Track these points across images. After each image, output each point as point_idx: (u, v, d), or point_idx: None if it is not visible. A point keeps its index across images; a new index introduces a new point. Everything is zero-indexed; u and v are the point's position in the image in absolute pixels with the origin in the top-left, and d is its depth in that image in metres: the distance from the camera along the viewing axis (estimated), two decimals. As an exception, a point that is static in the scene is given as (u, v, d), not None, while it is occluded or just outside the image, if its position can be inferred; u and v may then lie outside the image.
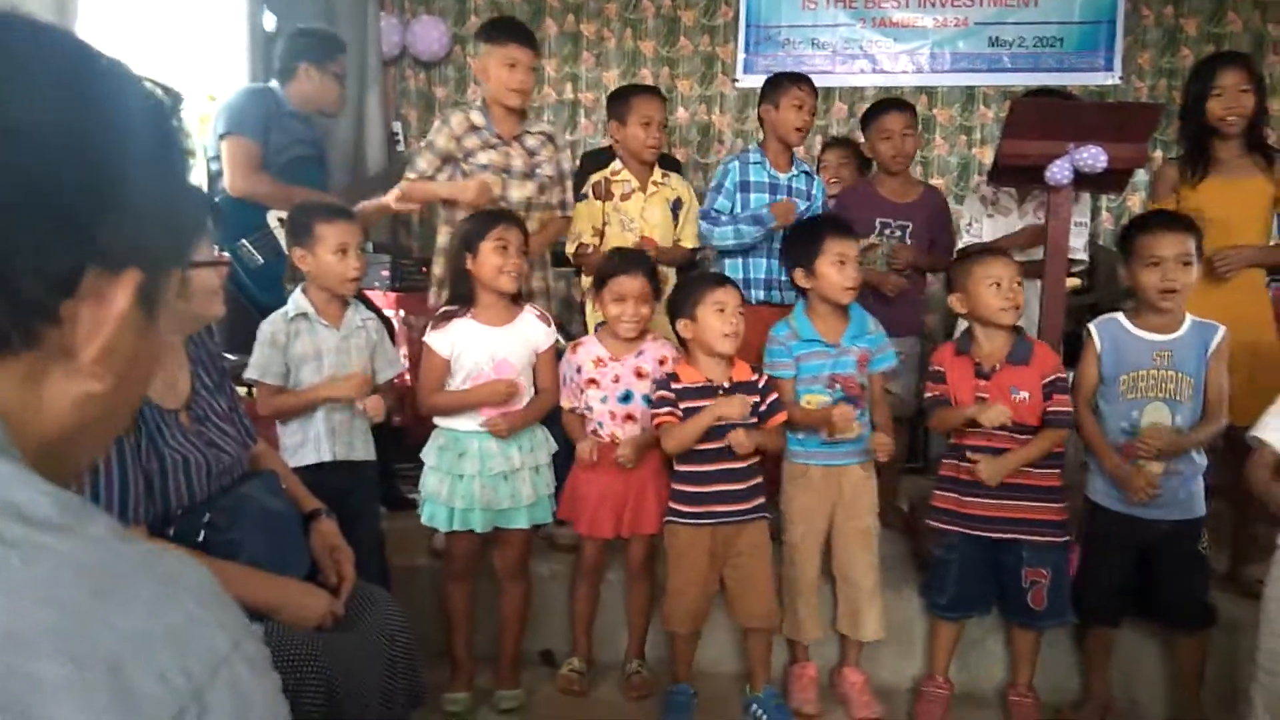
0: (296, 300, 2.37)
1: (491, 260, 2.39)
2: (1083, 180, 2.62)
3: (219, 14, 3.76)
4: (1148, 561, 2.37)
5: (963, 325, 3.33)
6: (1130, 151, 2.61)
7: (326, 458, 2.34)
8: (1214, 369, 2.30)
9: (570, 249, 3.13)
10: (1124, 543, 2.36)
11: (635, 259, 2.54)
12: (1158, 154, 4.57)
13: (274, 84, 3.31)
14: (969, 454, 2.35)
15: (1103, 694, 2.47)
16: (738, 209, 3.03)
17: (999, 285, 2.33)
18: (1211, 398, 2.31)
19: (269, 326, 2.34)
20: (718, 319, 2.33)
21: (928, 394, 2.48)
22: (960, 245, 3.17)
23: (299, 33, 3.36)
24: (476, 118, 2.97)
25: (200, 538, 1.59)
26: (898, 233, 3.24)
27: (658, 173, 3.24)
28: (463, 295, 2.45)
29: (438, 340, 2.43)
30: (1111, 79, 4.73)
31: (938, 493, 2.47)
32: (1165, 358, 2.30)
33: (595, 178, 3.20)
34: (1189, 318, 2.34)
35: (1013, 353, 2.37)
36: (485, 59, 2.92)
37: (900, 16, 4.85)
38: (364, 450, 2.43)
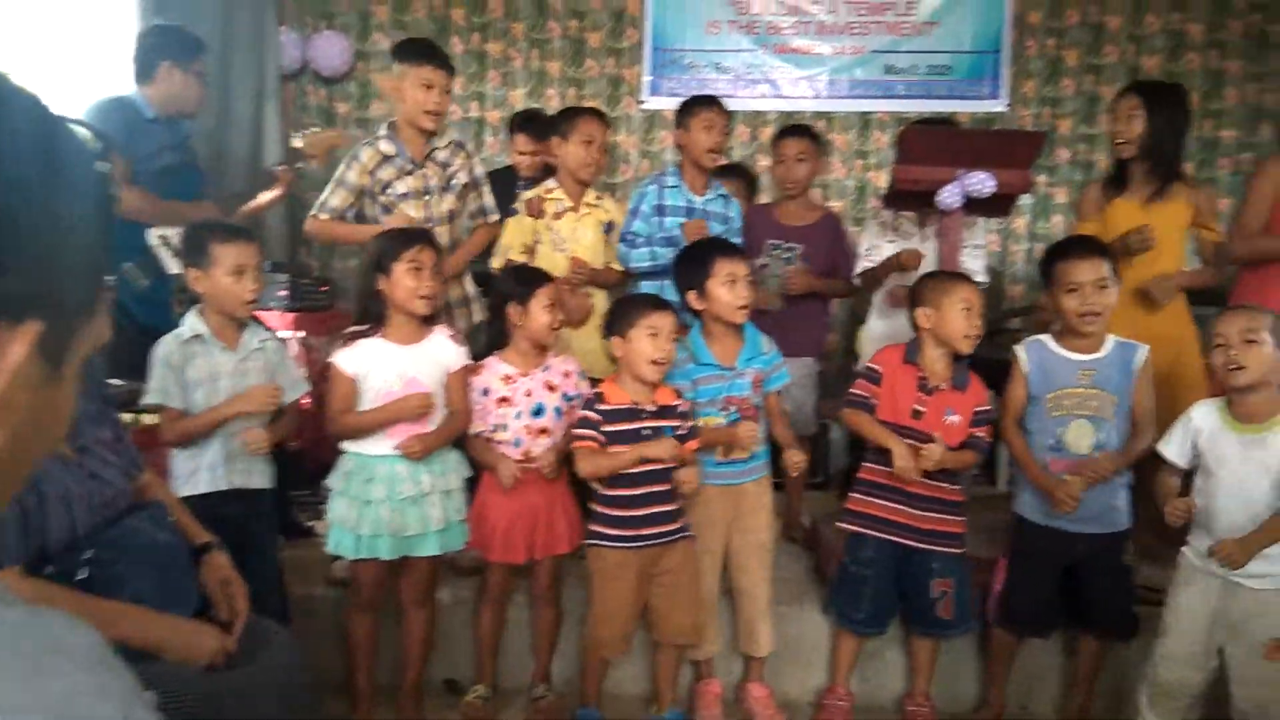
0: (191, 322, 2.29)
1: (405, 282, 2.35)
2: (972, 204, 2.73)
3: (111, 25, 3.61)
4: (1074, 574, 2.44)
5: (864, 343, 3.46)
6: (1016, 177, 2.73)
7: (221, 486, 2.26)
8: (1139, 387, 2.39)
9: (497, 263, 3.11)
10: (1050, 556, 2.43)
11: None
12: (1041, 178, 4.82)
13: (131, 91, 3.13)
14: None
15: (999, 702, 2.56)
16: (655, 233, 3.05)
17: (970, 310, 2.39)
18: (1139, 415, 2.39)
19: (163, 349, 2.25)
20: (650, 343, 2.31)
21: (854, 390, 2.50)
22: (857, 270, 3.25)
23: (158, 30, 3.20)
24: (386, 147, 2.95)
25: (83, 575, 1.51)
26: (786, 254, 3.30)
27: (591, 194, 3.25)
28: (373, 315, 2.40)
29: (346, 360, 2.38)
30: (998, 106, 4.96)
31: (856, 496, 2.51)
32: (1089, 377, 2.38)
33: (528, 194, 3.19)
34: (1111, 338, 2.43)
35: (955, 377, 2.44)
36: (400, 79, 2.90)
37: (800, 43, 4.99)
38: (262, 478, 2.35)
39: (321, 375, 2.63)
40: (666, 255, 2.95)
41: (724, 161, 3.34)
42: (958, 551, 2.45)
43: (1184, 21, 4.90)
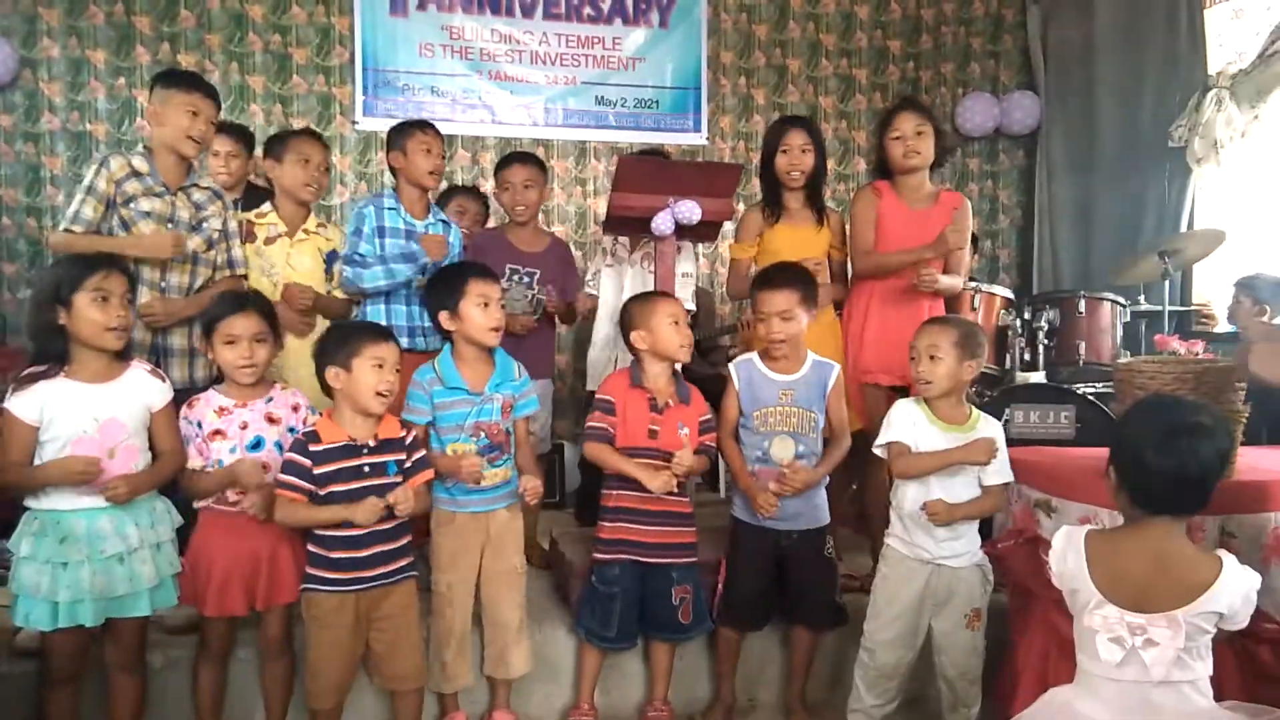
0: None
1: (90, 314, 2.12)
2: (682, 230, 2.93)
3: None
4: (783, 569, 2.63)
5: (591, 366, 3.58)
6: (720, 205, 2.97)
7: None
8: (832, 403, 2.63)
9: None
10: (760, 552, 2.62)
11: (245, 298, 2.40)
12: (740, 206, 5.24)
13: None
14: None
15: (729, 696, 2.73)
16: (375, 254, 2.97)
17: (677, 323, 2.53)
18: (835, 426, 2.64)
19: None
20: (374, 374, 2.23)
21: (592, 423, 2.57)
22: (584, 293, 3.37)
23: None
24: (139, 163, 2.72)
25: None
26: (526, 279, 3.37)
27: (312, 220, 3.12)
28: (53, 353, 2.15)
29: (22, 405, 2.10)
30: (700, 139, 5.34)
31: (605, 524, 2.57)
32: (789, 396, 2.60)
33: (239, 217, 3.02)
34: (811, 357, 2.65)
35: (678, 391, 2.58)
36: (163, 104, 2.74)
37: (514, 71, 5.08)
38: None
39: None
40: (403, 272, 2.91)
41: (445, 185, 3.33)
42: (693, 560, 2.60)
43: (851, 68, 5.56)
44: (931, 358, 2.39)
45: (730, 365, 2.71)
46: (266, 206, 3.10)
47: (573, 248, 4.48)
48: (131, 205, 2.69)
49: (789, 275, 2.65)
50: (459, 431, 2.47)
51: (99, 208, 2.67)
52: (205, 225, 2.83)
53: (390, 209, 3.03)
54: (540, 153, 5.07)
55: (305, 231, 3.08)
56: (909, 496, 2.42)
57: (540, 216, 5.04)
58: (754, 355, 2.68)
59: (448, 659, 2.49)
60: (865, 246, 3.18)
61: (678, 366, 2.65)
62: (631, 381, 2.58)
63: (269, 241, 3.03)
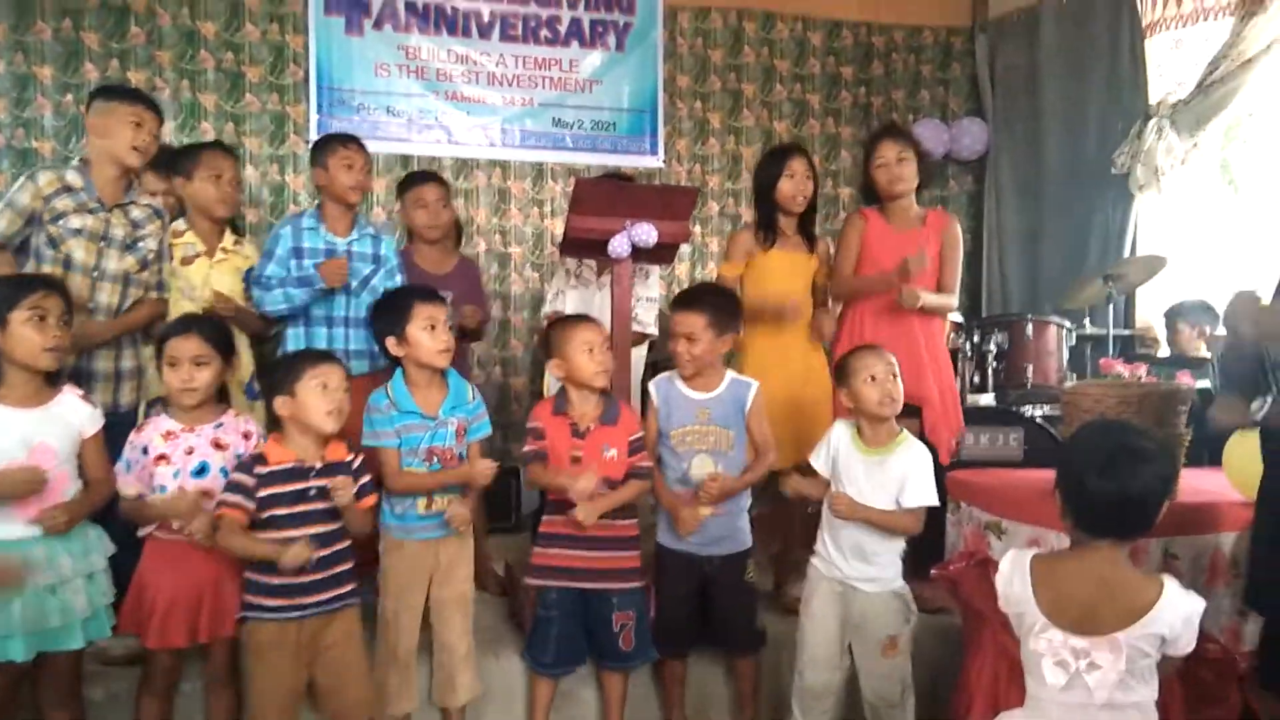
0: None
1: (26, 334, 2.08)
2: (639, 253, 2.94)
3: None
4: (706, 594, 2.64)
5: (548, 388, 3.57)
6: (676, 228, 2.97)
7: None
8: (752, 421, 2.65)
9: None
10: (685, 578, 2.63)
11: (189, 320, 2.37)
12: (696, 229, 5.27)
13: None
14: (572, 513, 2.45)
15: (680, 722, 2.72)
16: (287, 275, 2.92)
17: (592, 350, 2.50)
18: (758, 441, 2.65)
19: None
20: (321, 396, 2.22)
21: (526, 448, 2.56)
22: (544, 312, 3.36)
23: None
24: (73, 178, 2.65)
25: None
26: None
27: (229, 238, 3.05)
28: None
29: None
30: (656, 162, 5.36)
31: (538, 550, 2.56)
32: (706, 414, 2.62)
33: None
34: (728, 376, 2.68)
35: (604, 414, 2.55)
36: (105, 116, 2.67)
37: (471, 92, 5.07)
38: None
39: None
40: (300, 296, 2.87)
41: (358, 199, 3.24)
42: (636, 585, 2.58)
43: (804, 92, 5.63)
44: (894, 376, 2.44)
45: (650, 384, 2.73)
46: (182, 224, 3.00)
47: (530, 268, 4.47)
48: (60, 222, 2.62)
49: (699, 296, 2.69)
50: (413, 456, 2.44)
51: (15, 221, 2.60)
52: (141, 244, 2.77)
53: (309, 229, 2.98)
54: (497, 174, 5.10)
55: (224, 250, 3.03)
56: (825, 515, 2.49)
57: (497, 237, 5.09)
58: (674, 374, 2.70)
59: (392, 683, 2.45)
60: (842, 272, 3.28)
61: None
62: (555, 409, 2.57)
63: (186, 262, 2.96)
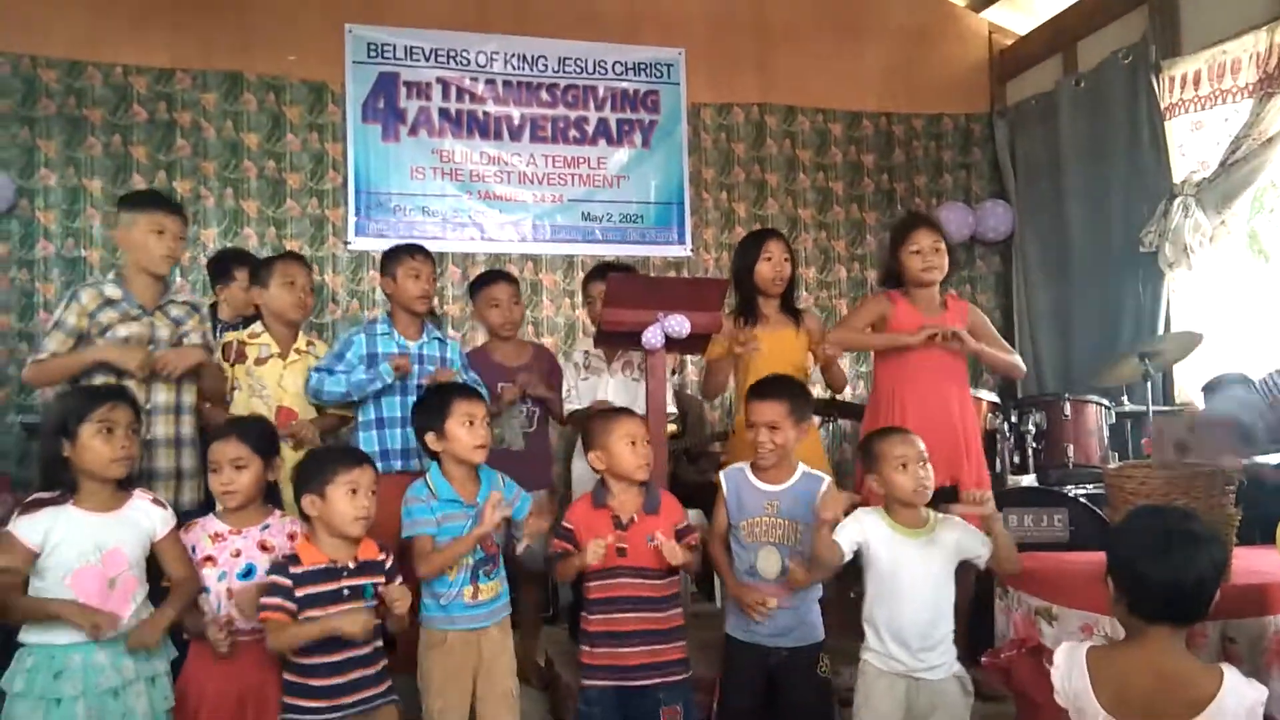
0: None
1: (96, 447, 2.15)
2: (672, 343, 2.97)
3: None
4: (775, 686, 2.57)
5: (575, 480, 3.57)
6: (708, 318, 3.01)
7: None
8: None
9: None
10: (751, 668, 2.57)
11: (233, 423, 2.46)
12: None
13: None
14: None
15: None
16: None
17: (634, 443, 2.51)
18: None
19: None
20: (349, 502, 2.24)
21: (552, 550, 2.56)
22: (566, 411, 3.42)
23: None
24: (111, 291, 2.76)
25: None
26: (520, 410, 3.39)
27: (302, 339, 3.15)
28: (62, 484, 2.16)
29: (26, 529, 2.10)
30: (684, 251, 5.46)
31: (586, 649, 2.52)
32: (775, 507, 2.60)
33: (228, 338, 3.07)
34: (801, 468, 2.65)
35: (645, 503, 2.54)
36: (129, 228, 2.80)
37: (503, 191, 5.23)
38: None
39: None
40: (361, 384, 2.97)
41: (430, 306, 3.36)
42: (683, 676, 2.53)
43: (827, 180, 5.74)
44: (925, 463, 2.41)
45: (721, 474, 2.72)
46: (258, 327, 3.13)
47: (561, 357, 4.53)
48: (108, 334, 2.72)
49: (779, 386, 2.68)
50: (457, 544, 2.45)
51: (66, 341, 2.70)
52: (185, 341, 2.86)
53: (383, 335, 3.10)
54: (529, 267, 5.21)
55: (297, 351, 3.12)
56: (877, 610, 2.39)
57: (529, 328, 5.16)
58: (745, 465, 2.69)
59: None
60: (851, 324, 3.38)
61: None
62: (594, 503, 2.56)
63: (260, 362, 3.06)
